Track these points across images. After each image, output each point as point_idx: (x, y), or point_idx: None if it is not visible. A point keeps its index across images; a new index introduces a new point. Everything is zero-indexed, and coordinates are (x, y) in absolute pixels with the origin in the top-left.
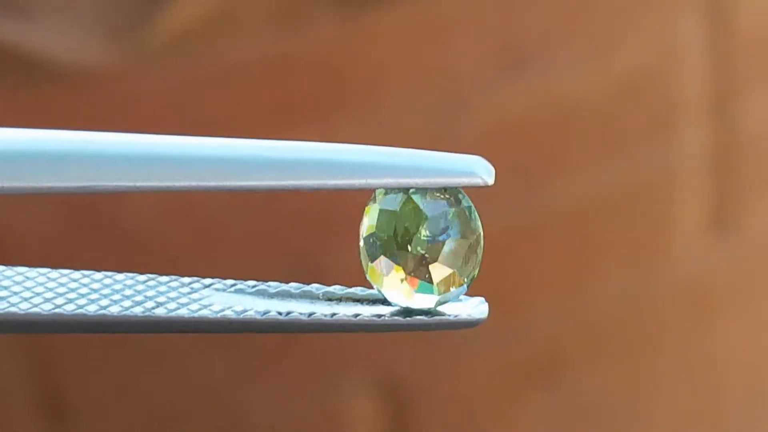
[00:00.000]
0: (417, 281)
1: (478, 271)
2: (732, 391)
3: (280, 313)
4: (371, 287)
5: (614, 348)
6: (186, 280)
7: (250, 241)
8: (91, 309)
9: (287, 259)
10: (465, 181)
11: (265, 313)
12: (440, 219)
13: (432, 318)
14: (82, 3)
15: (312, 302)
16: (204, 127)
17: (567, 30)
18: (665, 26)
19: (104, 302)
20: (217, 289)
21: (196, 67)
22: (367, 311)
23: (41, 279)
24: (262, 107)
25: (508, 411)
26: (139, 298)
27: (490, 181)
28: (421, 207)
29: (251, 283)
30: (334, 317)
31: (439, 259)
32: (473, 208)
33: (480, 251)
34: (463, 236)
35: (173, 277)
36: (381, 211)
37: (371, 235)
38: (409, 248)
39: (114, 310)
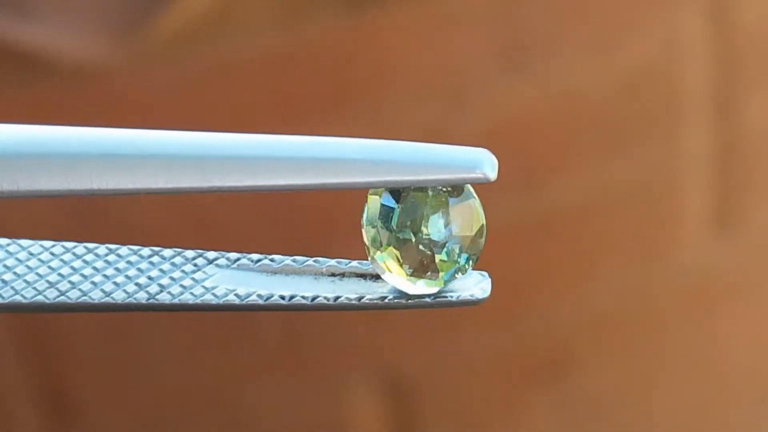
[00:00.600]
0: (420, 273)
1: (481, 252)
2: (736, 388)
3: (282, 297)
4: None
5: (618, 345)
6: (190, 254)
7: (251, 230)
8: (96, 296)
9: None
10: (465, 176)
11: (269, 298)
12: (442, 212)
13: (434, 299)
14: (84, 1)
15: (316, 278)
16: (206, 125)
17: (570, 27)
18: (668, 23)
19: (108, 287)
20: (219, 266)
21: (198, 64)
22: (370, 290)
23: (45, 256)
24: (264, 105)
25: (512, 409)
26: (143, 279)
27: (493, 176)
28: (423, 201)
29: (255, 257)
30: (338, 301)
31: (442, 253)
32: (476, 198)
33: (483, 239)
34: (466, 229)
35: (177, 250)
36: (383, 204)
37: (373, 226)
38: (413, 240)
39: (118, 296)
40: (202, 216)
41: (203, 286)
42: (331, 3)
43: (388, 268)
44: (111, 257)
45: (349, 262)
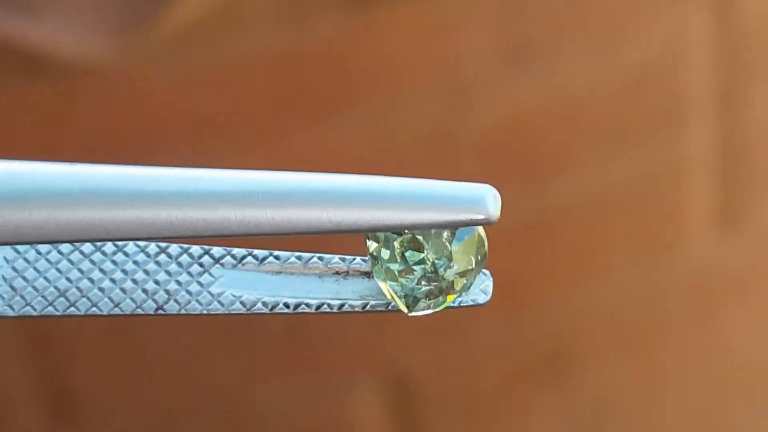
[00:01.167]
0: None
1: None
2: (741, 384)
3: (287, 306)
4: None
5: (622, 343)
6: (196, 251)
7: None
8: (105, 308)
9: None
10: (465, 219)
11: (273, 306)
12: (443, 250)
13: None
14: None
15: (320, 278)
16: (208, 124)
17: (573, 25)
18: (672, 20)
19: (116, 295)
20: (225, 266)
21: (202, 63)
22: (374, 292)
23: (53, 255)
24: (267, 103)
25: (517, 408)
26: (150, 286)
27: (496, 216)
28: (423, 240)
29: (260, 253)
30: (342, 309)
31: (443, 286)
32: (479, 232)
33: (485, 261)
34: (469, 262)
35: (183, 247)
36: (386, 237)
37: (376, 258)
38: (415, 273)
39: (126, 308)
40: None
41: (209, 293)
42: (335, 1)
43: (390, 295)
44: (118, 256)
45: (354, 259)
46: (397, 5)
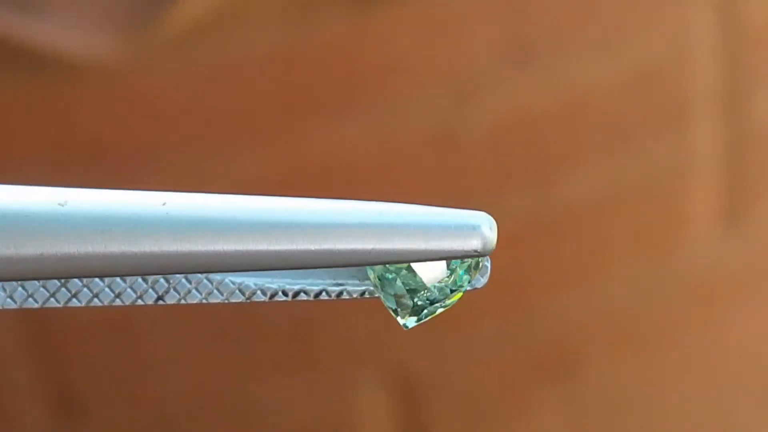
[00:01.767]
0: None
1: None
2: (744, 384)
3: (285, 294)
4: None
5: (626, 342)
6: None
7: None
8: (105, 299)
9: None
10: (459, 249)
11: (273, 295)
12: (441, 281)
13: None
14: None
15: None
16: (212, 122)
17: (578, 23)
18: (677, 19)
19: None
20: None
21: (206, 62)
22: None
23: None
24: (271, 103)
25: (521, 406)
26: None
27: (491, 248)
28: (419, 274)
29: None
30: (341, 296)
31: (443, 307)
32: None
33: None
34: (467, 286)
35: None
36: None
37: (375, 284)
38: (415, 300)
39: (127, 299)
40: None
41: (208, 281)
42: (338, 1)
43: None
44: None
45: None
46: (402, 4)
